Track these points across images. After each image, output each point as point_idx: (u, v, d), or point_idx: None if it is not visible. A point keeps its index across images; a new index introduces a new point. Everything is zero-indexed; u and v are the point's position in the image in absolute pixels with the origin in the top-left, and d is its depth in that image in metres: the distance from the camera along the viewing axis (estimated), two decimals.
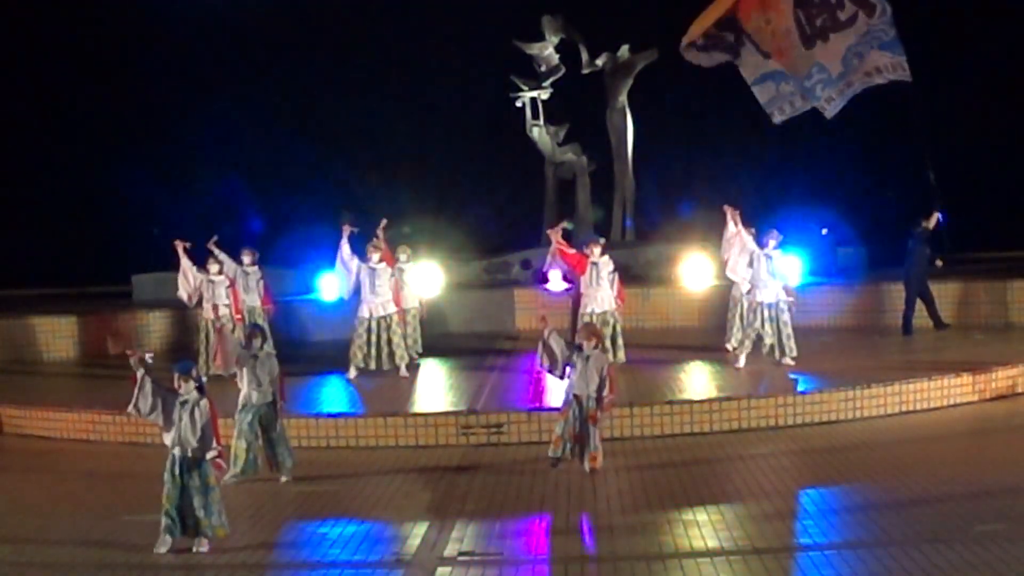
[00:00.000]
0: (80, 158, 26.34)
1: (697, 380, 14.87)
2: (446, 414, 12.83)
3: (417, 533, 9.34)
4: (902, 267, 17.59)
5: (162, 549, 8.84)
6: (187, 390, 8.97)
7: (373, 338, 15.42)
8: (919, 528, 8.72)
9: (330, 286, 19.31)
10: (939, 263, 17.24)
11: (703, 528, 9.12)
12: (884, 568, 7.87)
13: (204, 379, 9.29)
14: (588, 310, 15.11)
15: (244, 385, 11.07)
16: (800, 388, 13.38)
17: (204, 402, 8.97)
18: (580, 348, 10.84)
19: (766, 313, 14.94)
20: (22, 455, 13.01)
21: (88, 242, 26.60)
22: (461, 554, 8.72)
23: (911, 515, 9.10)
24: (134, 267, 22.95)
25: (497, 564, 8.49)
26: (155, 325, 19.59)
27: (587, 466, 10.76)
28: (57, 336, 18.89)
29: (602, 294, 15.19)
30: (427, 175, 26.09)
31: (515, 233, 23.99)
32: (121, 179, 25.27)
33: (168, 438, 9.01)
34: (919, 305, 17.48)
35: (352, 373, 15.40)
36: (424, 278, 17.35)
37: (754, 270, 15.01)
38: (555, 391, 11.83)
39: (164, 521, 8.87)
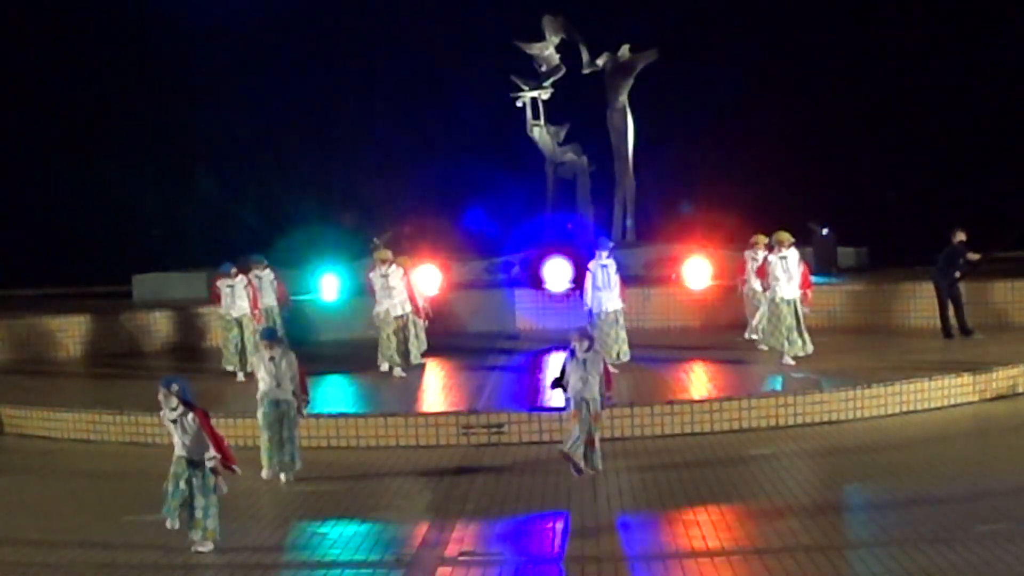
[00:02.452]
0: (81, 158, 26.32)
1: (697, 380, 14.86)
2: (446, 414, 12.84)
3: (417, 533, 9.36)
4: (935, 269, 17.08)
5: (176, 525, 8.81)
6: (171, 405, 8.84)
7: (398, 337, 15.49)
8: (919, 528, 8.72)
9: (330, 286, 19.38)
10: (957, 274, 16.88)
11: (703, 528, 9.13)
12: (884, 568, 7.87)
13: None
14: (599, 309, 15.11)
15: (263, 382, 11.04)
16: (802, 388, 13.40)
17: (191, 414, 8.83)
18: (573, 353, 10.65)
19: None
20: (23, 455, 13.02)
21: (88, 242, 26.58)
22: (461, 554, 8.72)
23: (911, 515, 9.11)
24: (134, 267, 22.94)
25: (497, 564, 8.50)
26: (156, 325, 19.58)
27: (600, 466, 10.76)
28: (58, 336, 18.88)
29: (611, 294, 15.23)
30: (428, 175, 26.08)
31: (515, 233, 23.98)
32: (121, 179, 25.26)
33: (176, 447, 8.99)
34: (933, 304, 17.15)
35: (397, 372, 15.40)
36: (425, 278, 17.39)
37: (748, 269, 16.52)
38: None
39: (165, 510, 8.85)
